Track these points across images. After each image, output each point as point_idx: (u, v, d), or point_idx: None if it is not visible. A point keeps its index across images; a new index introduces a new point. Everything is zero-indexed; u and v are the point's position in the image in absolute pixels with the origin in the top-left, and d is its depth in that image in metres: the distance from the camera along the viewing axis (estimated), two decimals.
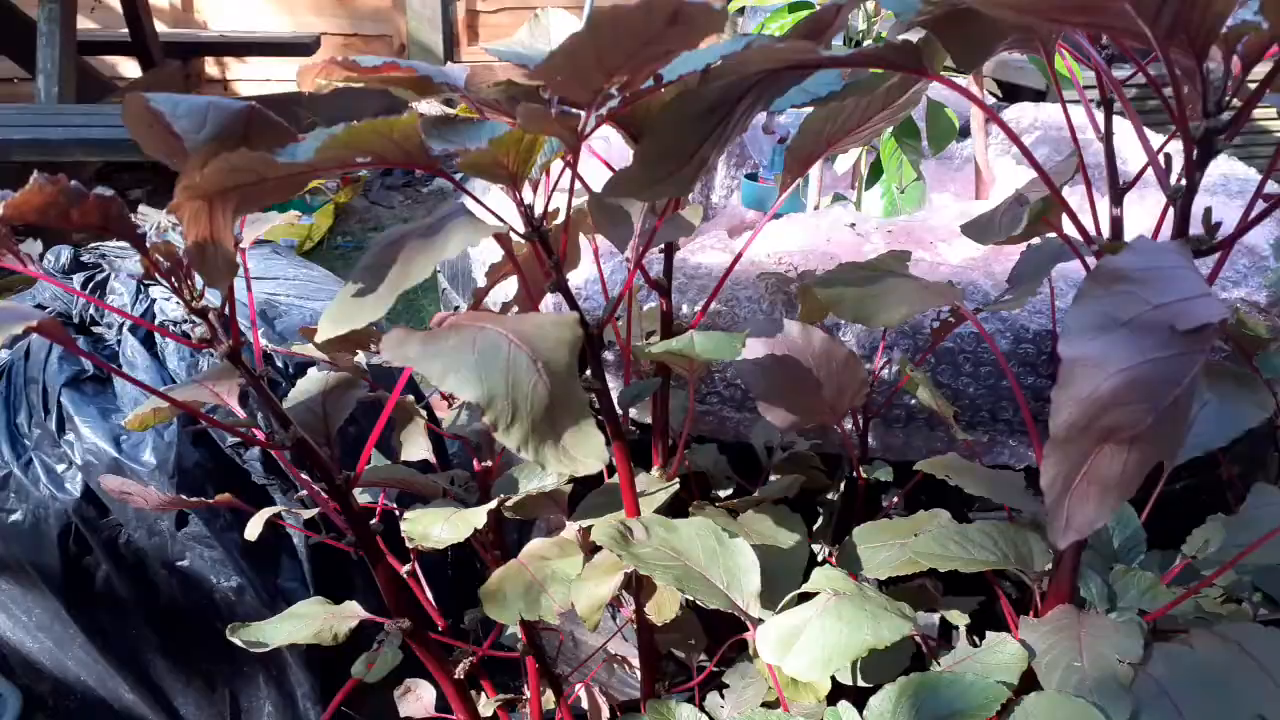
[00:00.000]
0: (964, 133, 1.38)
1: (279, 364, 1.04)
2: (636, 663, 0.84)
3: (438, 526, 0.69)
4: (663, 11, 0.47)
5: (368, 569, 0.73)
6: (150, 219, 0.87)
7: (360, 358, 0.78)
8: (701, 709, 0.74)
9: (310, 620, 0.76)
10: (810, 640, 0.59)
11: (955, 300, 0.70)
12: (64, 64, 2.73)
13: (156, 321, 1.07)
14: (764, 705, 0.76)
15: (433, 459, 0.84)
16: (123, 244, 0.70)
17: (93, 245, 1.18)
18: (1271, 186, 1.19)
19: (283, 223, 0.82)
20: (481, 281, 0.79)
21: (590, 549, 0.73)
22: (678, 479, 0.77)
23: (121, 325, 1.07)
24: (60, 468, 1.02)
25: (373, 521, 0.73)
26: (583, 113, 0.57)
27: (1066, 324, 0.46)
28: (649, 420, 0.83)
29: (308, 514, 0.84)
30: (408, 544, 0.72)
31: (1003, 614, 0.77)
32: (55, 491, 1.02)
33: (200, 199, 0.53)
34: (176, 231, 0.56)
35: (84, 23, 3.35)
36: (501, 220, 0.60)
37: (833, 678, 0.70)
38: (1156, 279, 0.47)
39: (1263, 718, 0.57)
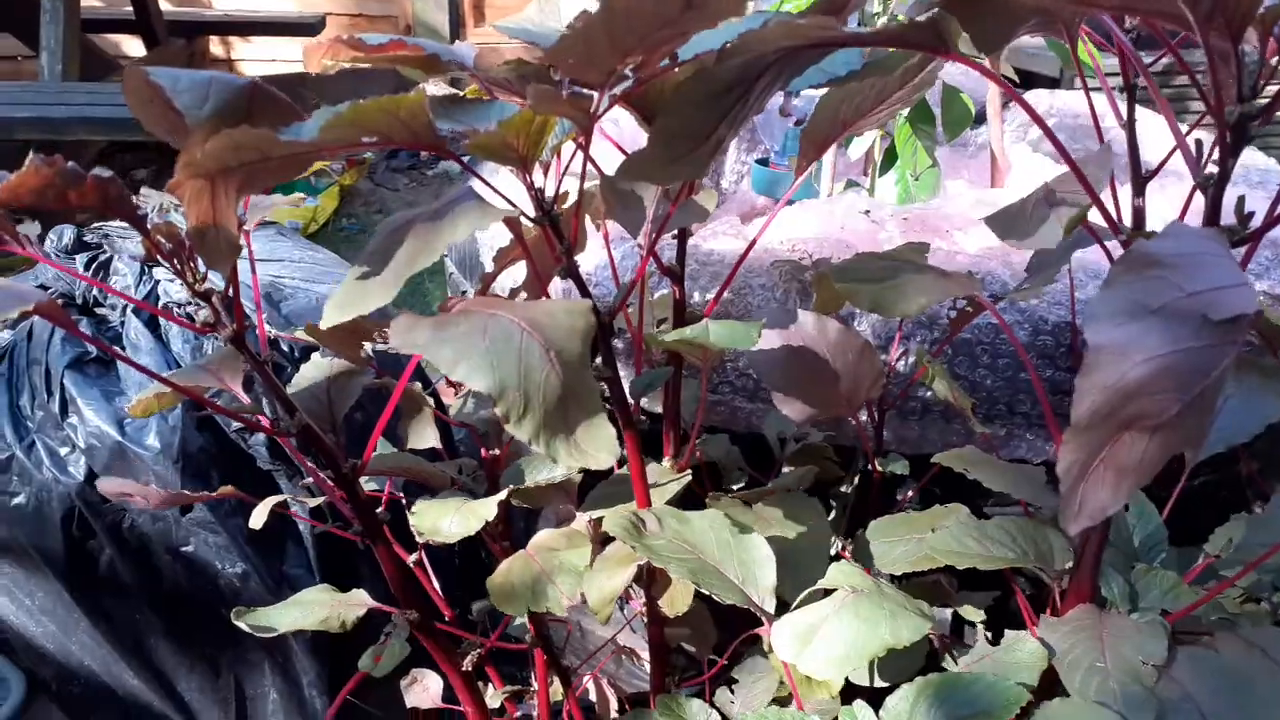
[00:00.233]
0: (978, 119, 1.36)
1: (284, 348, 1.03)
2: (645, 655, 0.83)
3: (447, 519, 0.68)
4: None
5: (374, 556, 0.71)
6: (152, 200, 0.86)
7: (365, 344, 0.77)
8: (711, 704, 0.73)
9: (317, 607, 0.75)
10: (827, 639, 0.58)
11: (974, 291, 0.68)
12: (68, 42, 2.71)
13: (160, 303, 1.05)
14: (775, 701, 0.75)
15: (440, 447, 0.83)
16: (126, 224, 0.69)
17: (96, 225, 1.17)
18: None
19: (287, 205, 0.80)
20: (489, 266, 0.78)
21: (601, 540, 0.72)
22: (689, 470, 0.76)
23: (125, 306, 1.06)
24: (63, 451, 1.01)
25: (379, 510, 0.72)
26: (595, 93, 0.55)
27: (1094, 309, 0.45)
28: (659, 410, 0.82)
29: (313, 502, 0.83)
30: (416, 537, 0.70)
31: (1018, 610, 0.76)
32: (58, 475, 1.00)
33: (202, 177, 0.51)
34: (179, 213, 0.55)
35: (88, 0, 3.33)
36: (511, 204, 0.59)
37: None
38: (1190, 265, 0.45)
39: None
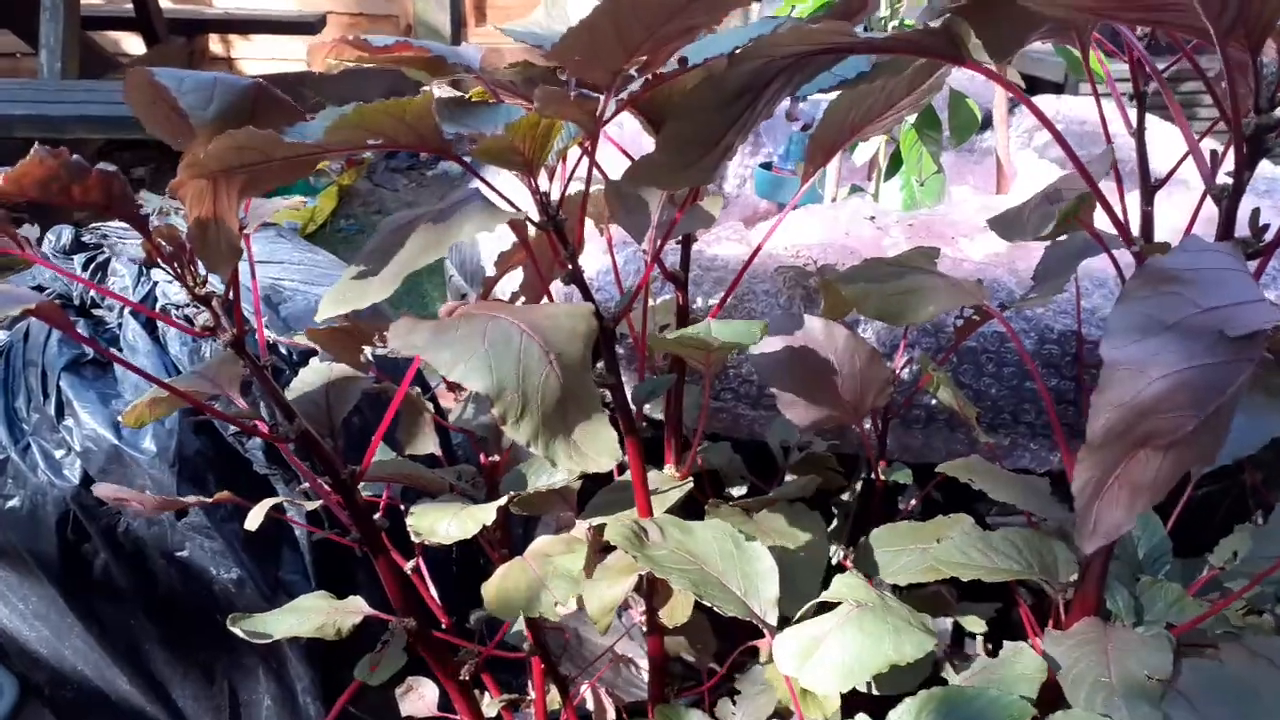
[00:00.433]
0: (984, 125, 1.35)
1: (283, 352, 1.02)
2: (644, 664, 0.83)
3: (445, 522, 0.67)
4: None
5: (371, 563, 0.71)
6: (151, 203, 0.85)
7: (365, 349, 0.76)
8: (712, 715, 0.72)
9: (313, 614, 0.75)
10: (830, 653, 0.57)
11: (982, 299, 0.67)
12: (67, 39, 2.71)
13: (159, 305, 1.04)
14: (775, 714, 0.74)
15: (439, 453, 0.82)
16: (125, 225, 0.68)
17: (94, 226, 1.16)
18: None
19: (288, 206, 0.79)
20: (491, 270, 0.77)
21: (602, 548, 0.71)
22: (691, 478, 0.75)
23: (123, 308, 1.05)
24: (59, 454, 1.00)
25: (377, 516, 0.71)
26: (601, 96, 0.54)
27: (1110, 324, 0.44)
28: (661, 416, 0.81)
29: (310, 506, 0.82)
30: (413, 539, 0.69)
31: (1019, 620, 0.75)
32: (53, 478, 0.99)
33: (204, 178, 0.51)
34: (178, 215, 0.54)
35: None
36: (515, 206, 0.58)
37: None
38: (1206, 281, 0.45)
39: None
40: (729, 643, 0.80)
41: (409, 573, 0.78)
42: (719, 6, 0.50)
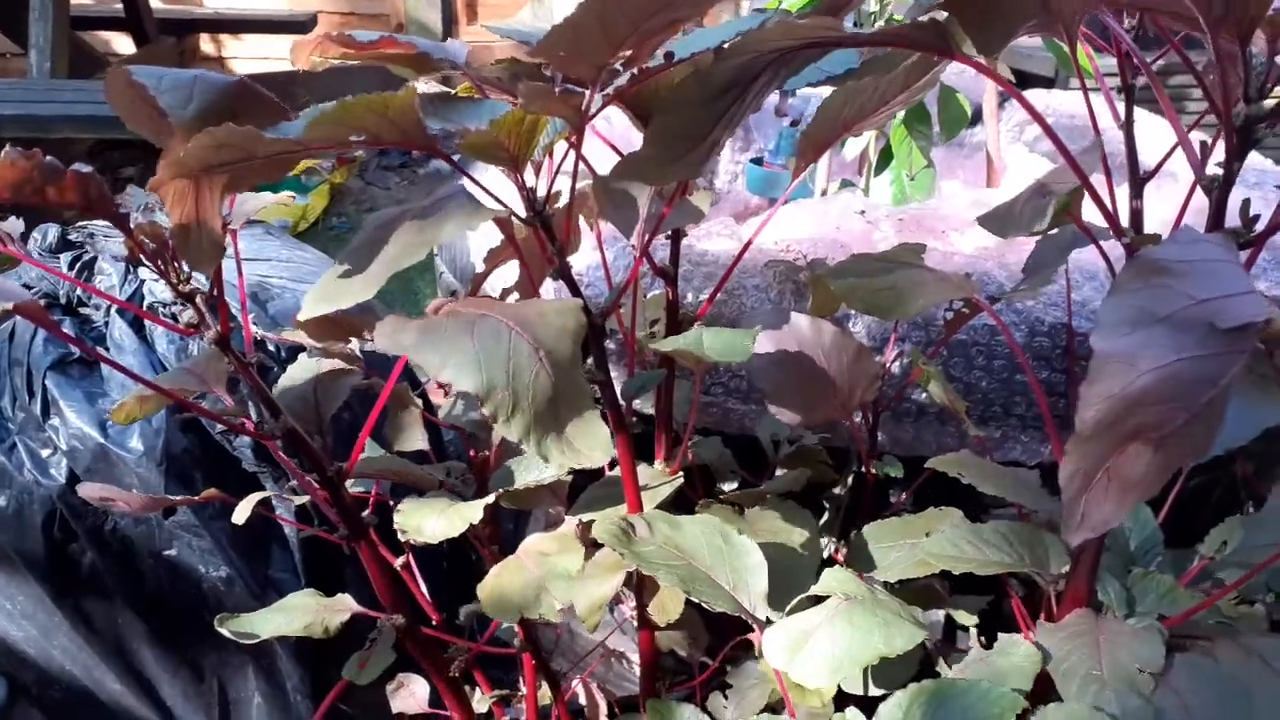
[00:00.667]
0: (974, 119, 1.35)
1: (271, 349, 1.01)
2: (635, 658, 0.82)
3: (432, 520, 0.67)
4: None
5: (361, 559, 0.70)
6: (136, 199, 0.84)
7: (354, 343, 0.75)
8: (704, 709, 0.72)
9: (300, 613, 0.74)
10: (820, 646, 0.57)
11: (972, 293, 0.67)
12: (57, 39, 2.69)
13: (146, 303, 1.04)
14: (767, 708, 0.74)
15: (428, 449, 0.82)
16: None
17: (81, 224, 1.15)
18: None
19: (275, 202, 0.79)
20: (480, 267, 0.77)
21: (590, 544, 0.71)
22: (681, 473, 0.74)
23: (109, 306, 1.04)
24: (45, 453, 1.00)
25: (366, 513, 0.71)
26: (587, 91, 0.54)
27: (1100, 316, 0.44)
28: (651, 411, 0.81)
29: (298, 501, 0.82)
30: (400, 537, 0.69)
31: (1011, 612, 0.75)
32: (40, 477, 0.99)
33: (185, 177, 0.50)
34: (163, 212, 0.54)
35: None
36: (502, 203, 0.57)
37: None
38: (1198, 272, 0.45)
39: None
40: (721, 637, 0.79)
41: (398, 569, 0.77)
42: (703, 1, 0.49)
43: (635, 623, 0.76)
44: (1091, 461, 0.45)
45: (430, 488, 0.76)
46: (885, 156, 1.19)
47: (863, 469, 0.84)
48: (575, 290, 0.62)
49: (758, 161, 1.36)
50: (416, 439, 0.82)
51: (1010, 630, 0.70)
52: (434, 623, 0.80)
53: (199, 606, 1.00)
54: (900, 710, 0.58)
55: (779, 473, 0.86)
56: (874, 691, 0.70)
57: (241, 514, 0.75)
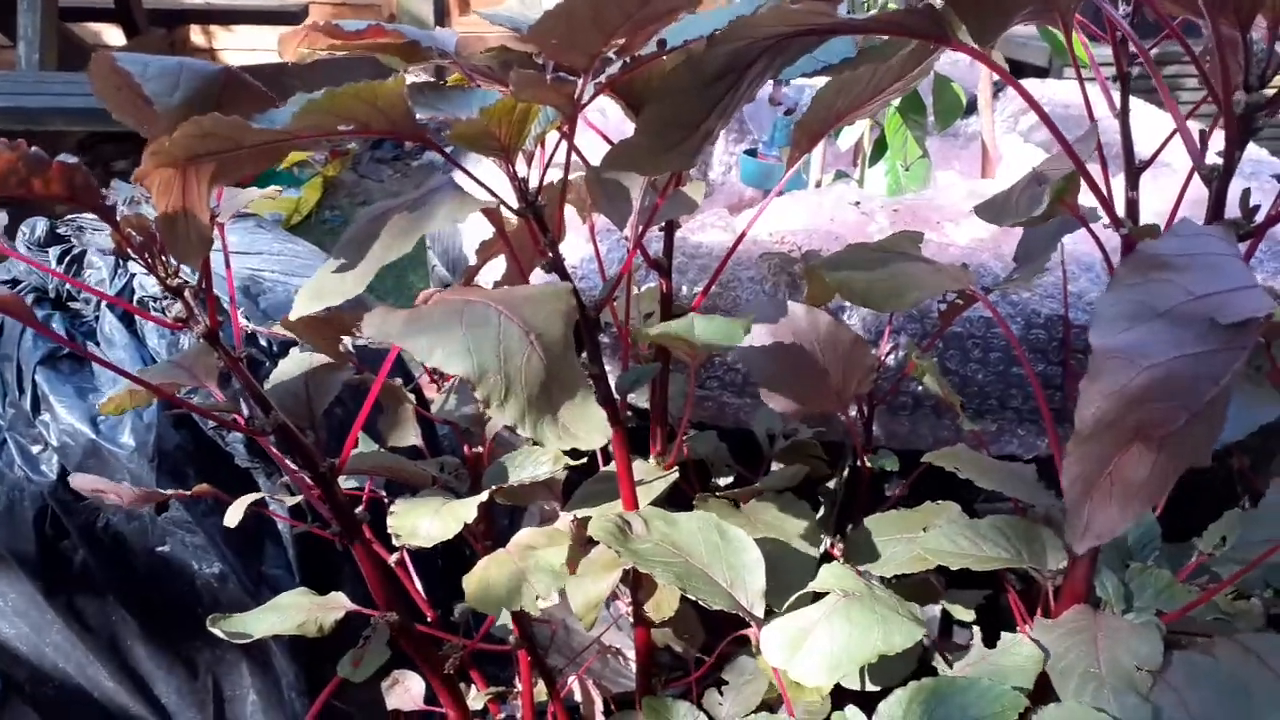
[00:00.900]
0: (969, 109, 1.34)
1: (262, 343, 1.01)
2: (631, 654, 0.82)
3: (426, 521, 0.66)
4: None
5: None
6: (123, 191, 0.83)
7: (345, 339, 0.75)
8: (699, 706, 0.71)
9: (294, 611, 0.73)
10: (818, 644, 0.56)
11: (968, 284, 0.66)
12: (45, 31, 2.67)
13: (135, 297, 1.03)
14: (763, 704, 0.73)
15: (422, 444, 0.81)
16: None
17: (70, 218, 1.14)
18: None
19: (264, 195, 0.78)
20: (473, 259, 0.76)
21: (586, 540, 0.70)
22: (677, 468, 0.74)
23: (100, 301, 1.03)
24: (35, 449, 0.99)
25: (358, 509, 0.70)
26: (579, 79, 0.53)
27: (1098, 312, 0.43)
28: (645, 405, 0.80)
29: (292, 500, 0.81)
30: (395, 541, 0.68)
31: (1008, 607, 0.75)
32: (30, 474, 0.98)
33: (171, 167, 0.49)
34: (150, 204, 0.53)
35: None
36: (493, 194, 0.57)
37: None
38: (1198, 266, 0.44)
39: None
40: (717, 634, 0.79)
41: (392, 566, 0.77)
42: None
43: (631, 619, 0.76)
44: (1093, 463, 0.44)
45: (424, 484, 0.75)
46: (880, 147, 1.19)
47: (858, 463, 0.84)
48: (567, 281, 0.61)
49: (751, 153, 1.35)
50: (409, 434, 0.81)
51: (1007, 626, 0.69)
52: (429, 619, 0.80)
53: (192, 603, 0.99)
54: (900, 707, 0.58)
55: (774, 467, 0.86)
56: (871, 688, 0.70)
57: (234, 516, 0.74)
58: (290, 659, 1.02)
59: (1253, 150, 1.23)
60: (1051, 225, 0.71)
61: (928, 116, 1.16)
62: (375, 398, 0.67)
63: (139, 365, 0.98)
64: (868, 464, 0.83)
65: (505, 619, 0.82)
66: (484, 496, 0.69)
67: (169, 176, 0.50)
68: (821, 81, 0.68)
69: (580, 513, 0.70)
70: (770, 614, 0.62)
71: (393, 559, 0.77)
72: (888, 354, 0.87)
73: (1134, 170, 0.63)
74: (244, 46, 4.06)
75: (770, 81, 0.82)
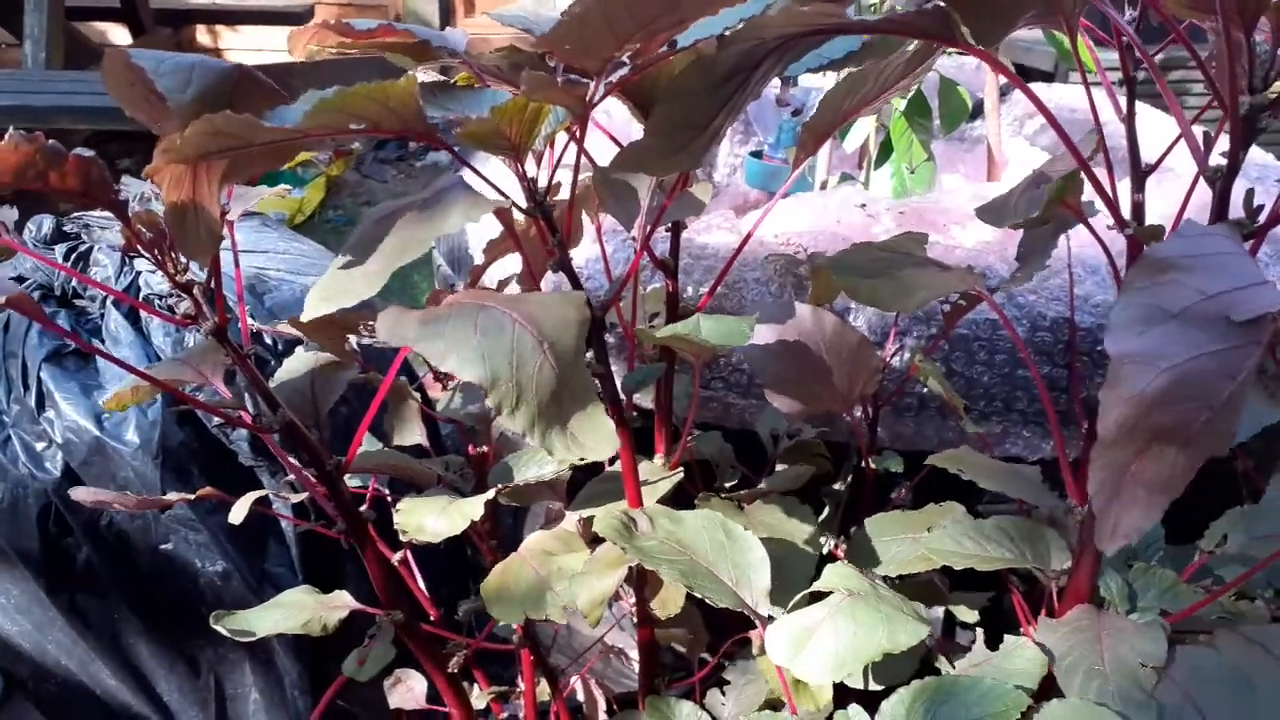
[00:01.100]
0: (975, 113, 1.35)
1: (268, 341, 1.01)
2: (634, 654, 0.82)
3: (432, 519, 0.66)
4: None
5: (359, 555, 0.70)
6: (132, 188, 0.83)
7: (350, 338, 0.75)
8: (702, 706, 0.71)
9: (298, 610, 0.74)
10: (822, 643, 0.56)
11: (974, 285, 0.67)
12: (52, 29, 2.68)
13: (141, 295, 1.03)
14: (766, 704, 0.73)
15: (427, 443, 0.81)
16: (106, 214, 0.67)
17: (76, 215, 1.14)
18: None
19: (272, 195, 0.78)
20: (479, 258, 0.76)
21: (591, 540, 0.70)
22: (681, 468, 0.74)
23: (105, 298, 1.04)
24: (40, 446, 0.99)
25: (363, 508, 0.70)
26: (590, 81, 0.53)
27: (1112, 318, 0.44)
28: (650, 405, 0.80)
29: (296, 498, 0.81)
30: (402, 538, 0.69)
31: (1012, 608, 0.75)
32: (34, 470, 0.98)
33: (182, 163, 0.50)
34: (159, 202, 0.53)
35: None
36: (503, 194, 0.57)
37: None
38: (1207, 266, 0.44)
39: None
40: (720, 633, 0.79)
41: (396, 565, 0.77)
42: (710, 2, 0.49)
43: (634, 619, 0.76)
44: (1118, 468, 0.44)
45: (429, 482, 0.75)
46: (885, 150, 1.19)
47: (863, 464, 0.84)
48: (576, 283, 0.62)
49: (757, 155, 1.35)
50: (415, 433, 0.81)
51: (1011, 625, 0.69)
52: (432, 619, 0.80)
53: (195, 601, 1.00)
54: (904, 706, 0.58)
55: (779, 468, 0.86)
56: (874, 686, 0.70)
57: (238, 515, 0.74)
58: (293, 657, 1.02)
59: (1258, 155, 1.23)
60: (1051, 224, 0.71)
61: (933, 120, 1.16)
62: (382, 397, 0.68)
63: (144, 363, 0.98)
64: (872, 465, 0.83)
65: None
66: (490, 494, 0.69)
67: (180, 173, 0.51)
68: (828, 82, 0.68)
69: (585, 512, 0.70)
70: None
71: (396, 558, 0.77)
72: (893, 355, 0.87)
73: (1140, 174, 0.63)
74: (249, 47, 4.06)
75: (778, 82, 0.82)
